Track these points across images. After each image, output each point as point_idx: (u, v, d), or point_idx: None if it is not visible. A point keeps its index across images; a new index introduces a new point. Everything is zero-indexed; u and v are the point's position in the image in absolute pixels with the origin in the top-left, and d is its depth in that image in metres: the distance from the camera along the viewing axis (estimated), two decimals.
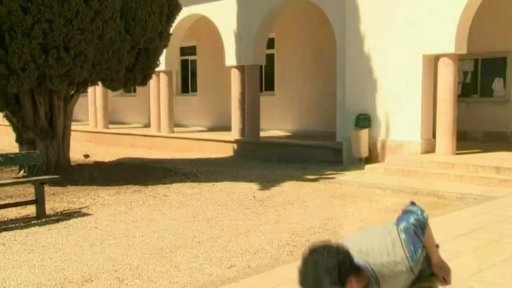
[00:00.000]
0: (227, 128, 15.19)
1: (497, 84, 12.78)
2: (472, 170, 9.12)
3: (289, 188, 8.80)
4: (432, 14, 10.23)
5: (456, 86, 10.60)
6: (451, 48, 10.08)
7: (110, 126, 18.36)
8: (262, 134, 14.11)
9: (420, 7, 10.40)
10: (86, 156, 13.15)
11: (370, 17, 11.20)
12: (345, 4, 11.60)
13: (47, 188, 7.79)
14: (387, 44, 10.88)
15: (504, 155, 10.13)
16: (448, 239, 5.57)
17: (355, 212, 7.02)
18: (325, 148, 12.32)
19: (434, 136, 10.68)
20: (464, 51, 10.28)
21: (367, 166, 10.52)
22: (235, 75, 14.14)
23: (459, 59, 10.61)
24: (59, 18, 8.40)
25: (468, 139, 12.41)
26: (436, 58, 10.55)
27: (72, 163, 11.02)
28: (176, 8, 10.91)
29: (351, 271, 1.86)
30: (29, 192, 8.03)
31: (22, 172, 9.85)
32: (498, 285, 4.22)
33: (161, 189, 8.92)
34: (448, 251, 5.13)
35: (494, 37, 12.36)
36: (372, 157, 11.09)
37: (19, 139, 10.19)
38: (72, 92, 10.41)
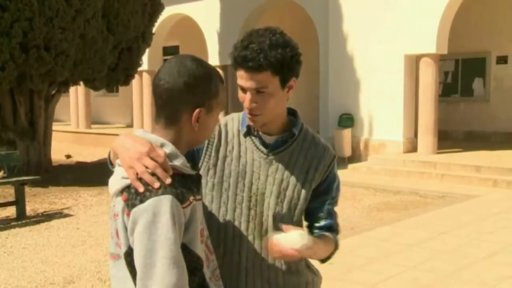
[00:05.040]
0: None
1: (477, 84, 12.97)
2: (453, 169, 9.24)
3: None
4: (413, 15, 10.33)
5: (437, 86, 10.73)
6: (432, 48, 10.20)
7: (92, 126, 18.19)
8: None
9: (401, 8, 10.50)
10: (68, 156, 13.00)
11: (353, 17, 11.27)
12: (328, 4, 11.66)
13: (27, 189, 7.68)
14: (369, 44, 10.96)
15: (485, 154, 10.28)
16: (430, 237, 5.63)
17: (338, 211, 7.02)
18: None
19: (416, 135, 10.79)
20: (445, 51, 10.40)
21: (350, 166, 10.58)
22: None
23: (440, 59, 10.74)
24: (39, 17, 8.29)
25: (449, 138, 12.56)
26: (418, 58, 10.66)
27: (54, 164, 10.89)
28: (159, 8, 10.85)
29: (295, 73, 1.56)
30: (9, 193, 7.91)
31: (1, 173, 9.70)
32: (477, 282, 4.27)
33: None
34: (429, 249, 5.20)
35: (474, 38, 12.54)
36: (355, 157, 11.16)
37: None
38: (54, 92, 10.29)
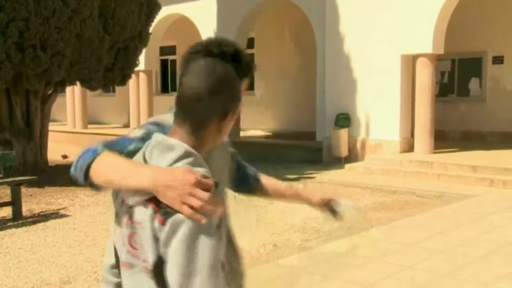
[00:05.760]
0: None
1: (473, 84, 13.00)
2: (450, 169, 9.26)
3: None
4: (410, 15, 10.35)
5: (434, 86, 10.75)
6: (428, 48, 10.21)
7: (89, 126, 18.15)
8: (242, 134, 14.10)
9: (398, 8, 10.51)
10: (65, 156, 12.97)
11: (350, 17, 11.28)
12: (325, 4, 11.66)
13: (24, 189, 7.65)
14: (366, 44, 10.96)
15: (481, 154, 10.30)
16: (427, 237, 5.64)
17: None
18: (305, 148, 12.37)
19: (412, 135, 10.81)
20: (441, 51, 10.42)
21: (347, 166, 10.59)
22: None
23: (436, 59, 10.76)
24: (35, 16, 8.26)
25: (446, 138, 12.58)
26: (414, 58, 10.68)
27: (50, 164, 10.86)
28: (156, 8, 10.84)
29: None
30: (5, 193, 7.88)
31: None
32: (474, 282, 4.28)
33: None
34: (426, 248, 5.20)
35: (470, 38, 12.56)
36: (352, 157, 11.16)
37: None
38: (50, 92, 10.26)
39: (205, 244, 1.19)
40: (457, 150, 10.78)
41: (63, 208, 7.43)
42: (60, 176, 9.96)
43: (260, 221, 6.56)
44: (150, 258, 1.24)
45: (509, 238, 5.49)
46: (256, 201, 7.73)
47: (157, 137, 1.33)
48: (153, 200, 1.23)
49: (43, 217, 6.89)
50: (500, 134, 12.34)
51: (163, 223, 1.21)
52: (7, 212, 6.98)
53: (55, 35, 8.53)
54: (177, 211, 1.19)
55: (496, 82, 12.61)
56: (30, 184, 8.34)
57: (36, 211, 7.26)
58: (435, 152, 10.41)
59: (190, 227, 1.19)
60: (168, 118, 1.58)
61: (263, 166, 11.39)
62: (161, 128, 1.52)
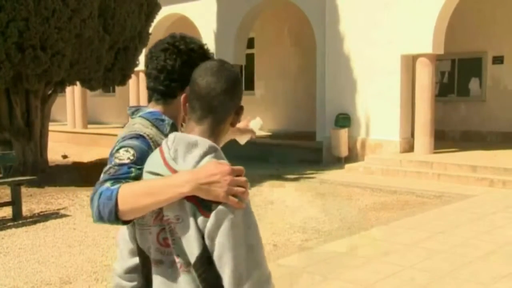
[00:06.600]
0: None
1: (473, 84, 13.00)
2: (450, 169, 9.26)
3: (269, 188, 8.81)
4: (410, 15, 10.35)
5: (434, 86, 10.75)
6: (428, 49, 10.21)
7: (89, 126, 18.15)
8: None
9: (398, 8, 10.52)
10: (65, 156, 12.98)
11: (350, 17, 11.28)
12: (325, 4, 11.67)
13: (24, 190, 7.65)
14: (366, 45, 10.97)
15: (481, 154, 10.30)
16: (427, 237, 5.64)
17: (335, 211, 7.06)
18: (305, 148, 12.37)
19: (413, 135, 10.81)
20: (441, 51, 10.42)
21: (347, 166, 10.59)
22: None
23: (436, 59, 10.76)
24: (35, 16, 8.26)
25: (446, 138, 12.59)
26: (414, 58, 10.68)
27: (50, 164, 10.85)
28: (155, 8, 10.84)
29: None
30: (5, 193, 7.89)
31: None
32: (473, 282, 4.28)
33: None
34: (426, 248, 5.20)
35: (470, 38, 12.57)
36: (352, 157, 11.17)
37: None
38: (50, 92, 10.26)
39: (251, 225, 1.30)
40: (457, 150, 10.79)
41: (63, 208, 7.43)
42: (60, 176, 9.97)
43: (260, 221, 6.55)
44: (195, 252, 1.29)
45: (509, 238, 5.49)
46: (256, 201, 7.73)
47: (179, 136, 1.38)
48: (191, 196, 1.29)
49: (43, 217, 6.89)
50: (500, 134, 12.34)
51: (207, 216, 1.27)
52: (7, 212, 6.98)
53: (55, 35, 8.53)
54: (218, 203, 1.27)
55: (496, 82, 12.61)
56: (30, 184, 8.34)
57: (36, 211, 7.26)
58: (435, 152, 10.42)
59: (236, 215, 1.27)
60: (138, 126, 1.57)
61: (263, 166, 11.42)
62: (143, 139, 1.52)
